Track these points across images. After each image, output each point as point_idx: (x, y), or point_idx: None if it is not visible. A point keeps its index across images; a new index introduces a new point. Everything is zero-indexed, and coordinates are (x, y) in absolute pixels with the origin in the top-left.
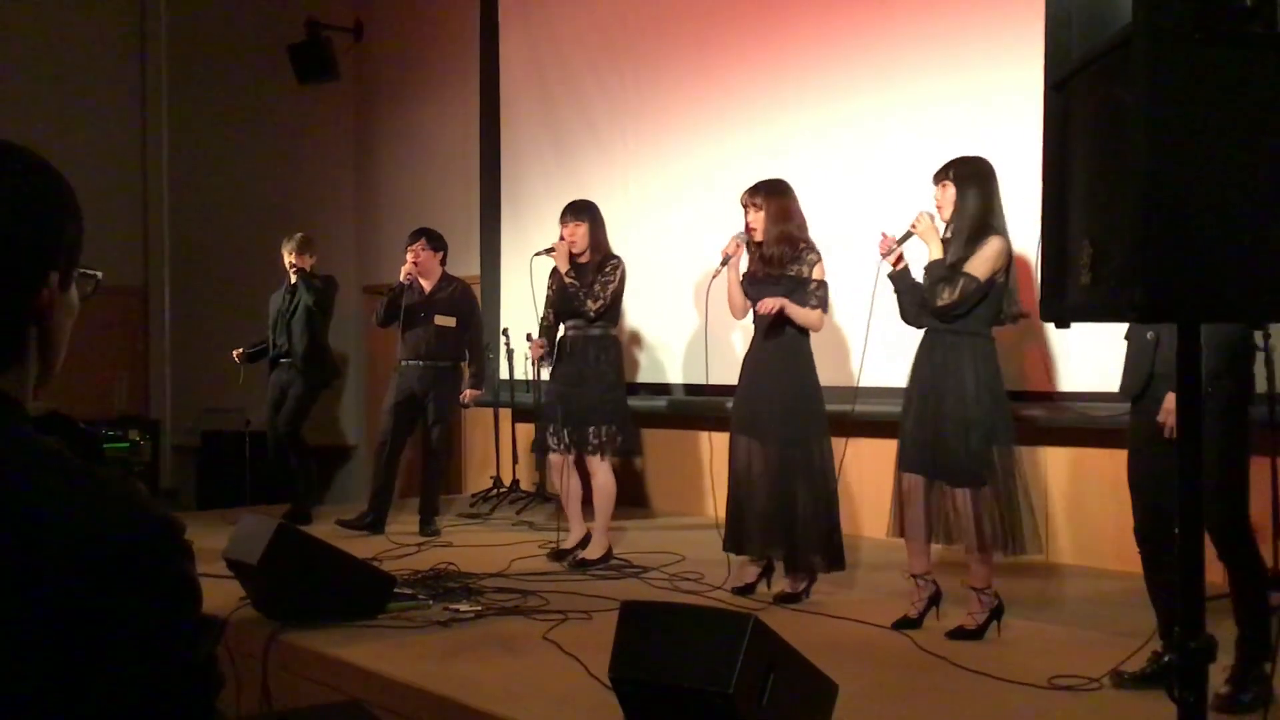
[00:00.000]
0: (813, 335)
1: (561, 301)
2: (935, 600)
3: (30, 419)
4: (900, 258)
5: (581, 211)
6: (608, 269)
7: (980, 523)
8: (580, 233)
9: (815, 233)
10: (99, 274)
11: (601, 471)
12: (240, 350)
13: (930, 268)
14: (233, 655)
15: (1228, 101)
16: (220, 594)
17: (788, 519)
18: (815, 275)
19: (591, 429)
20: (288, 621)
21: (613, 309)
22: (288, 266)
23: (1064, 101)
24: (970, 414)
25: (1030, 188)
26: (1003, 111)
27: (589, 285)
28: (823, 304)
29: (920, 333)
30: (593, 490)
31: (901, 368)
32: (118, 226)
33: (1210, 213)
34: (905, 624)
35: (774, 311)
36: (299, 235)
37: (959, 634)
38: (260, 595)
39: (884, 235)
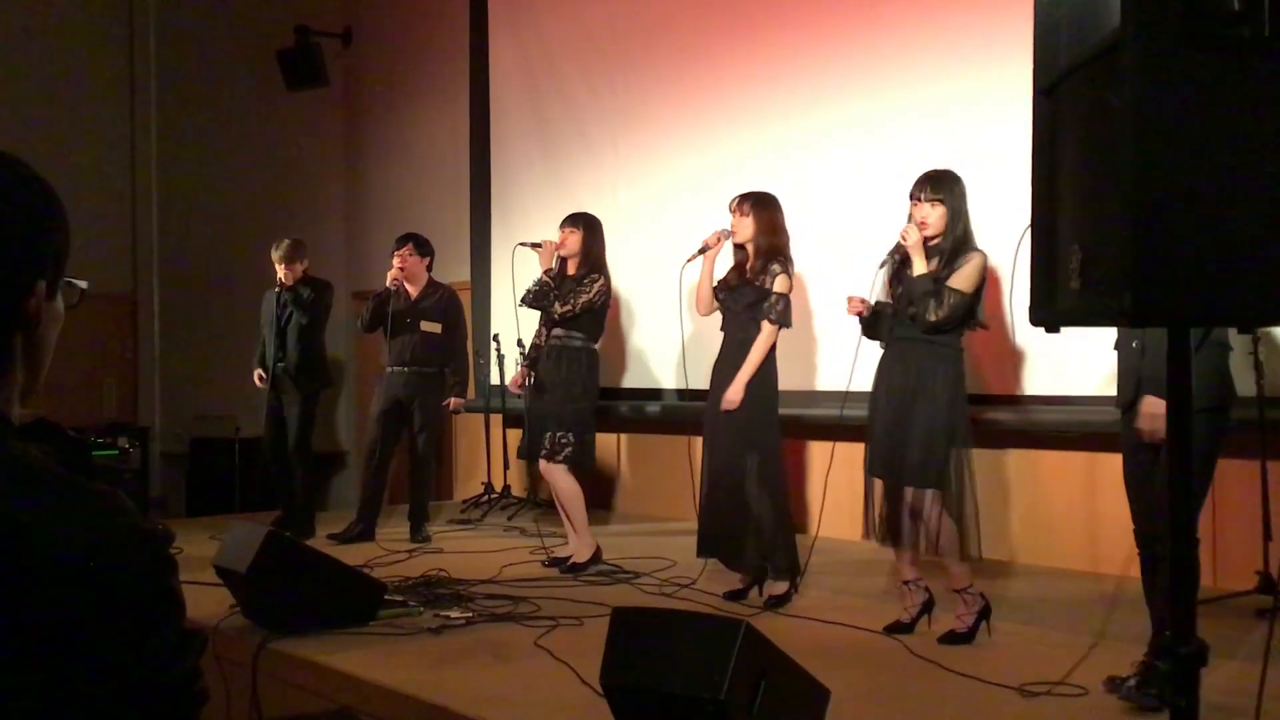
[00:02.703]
0: (799, 341)
1: (535, 298)
2: (928, 607)
3: (15, 429)
4: (855, 303)
5: (578, 220)
6: (585, 280)
7: (941, 526)
8: (573, 240)
9: (806, 239)
10: (84, 284)
11: (560, 477)
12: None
13: (915, 281)
14: (222, 664)
15: (1216, 105)
16: (210, 602)
17: (743, 522)
18: (777, 288)
19: (547, 435)
20: (278, 629)
21: (585, 320)
22: (279, 277)
23: (1053, 107)
24: (939, 419)
25: (1019, 193)
26: (993, 117)
27: (564, 291)
28: (780, 318)
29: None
30: (556, 496)
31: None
32: (106, 233)
33: (1199, 216)
34: (897, 628)
35: (738, 399)
36: (286, 243)
37: (950, 638)
38: (250, 603)
39: (850, 298)
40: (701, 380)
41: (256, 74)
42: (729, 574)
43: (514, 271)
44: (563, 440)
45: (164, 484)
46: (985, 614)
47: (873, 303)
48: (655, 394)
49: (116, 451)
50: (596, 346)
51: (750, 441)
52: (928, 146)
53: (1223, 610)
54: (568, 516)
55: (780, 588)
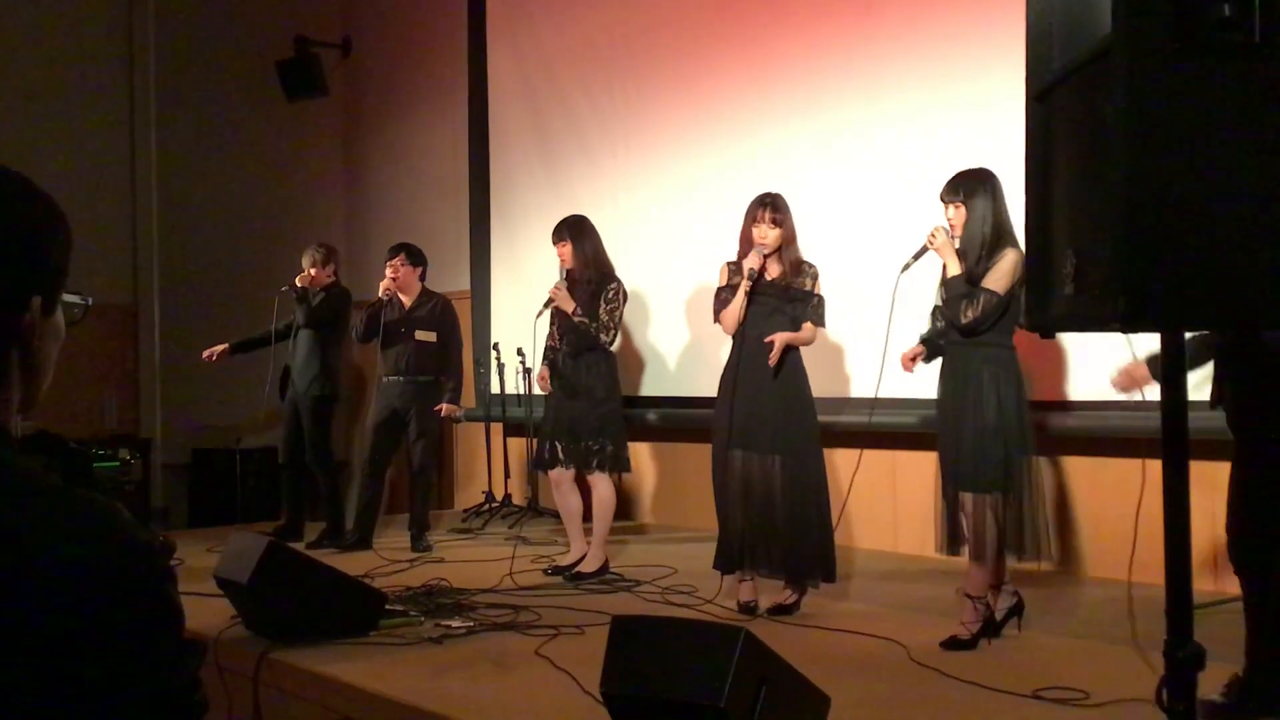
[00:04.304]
0: (822, 347)
1: (577, 342)
2: (1018, 610)
3: (13, 442)
4: (906, 364)
5: (563, 231)
6: (609, 293)
7: (983, 530)
8: (566, 252)
9: (809, 246)
10: (88, 300)
11: (601, 485)
12: (223, 348)
13: (950, 284)
14: (224, 674)
15: (1208, 110)
16: (211, 613)
17: (795, 532)
18: (818, 290)
19: (586, 444)
20: (279, 640)
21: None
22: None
23: (1046, 113)
24: (990, 422)
25: (1016, 198)
26: (990, 122)
27: (593, 312)
28: (822, 319)
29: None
30: (592, 503)
31: (903, 381)
32: (107, 244)
33: (1192, 221)
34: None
35: (781, 350)
36: (322, 248)
37: (952, 644)
38: (251, 614)
39: (903, 358)
40: (701, 388)
41: (256, 84)
42: (731, 583)
43: (535, 333)
44: (596, 448)
45: (166, 495)
46: (989, 624)
47: (922, 336)
48: (654, 401)
49: (118, 463)
50: (614, 348)
51: (816, 448)
52: (926, 150)
53: (1223, 614)
54: (593, 524)
55: (791, 597)
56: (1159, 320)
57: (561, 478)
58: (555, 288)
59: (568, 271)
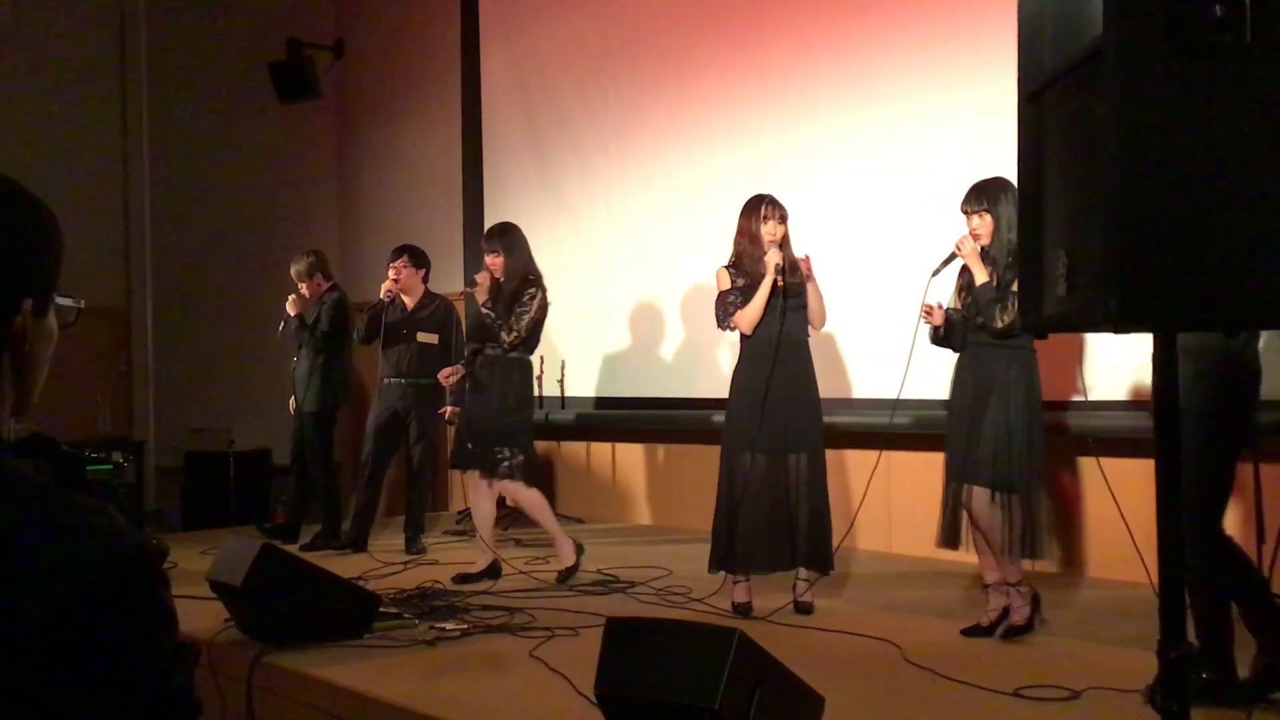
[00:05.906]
0: (843, 348)
1: (479, 331)
2: (1008, 612)
3: (7, 444)
4: (937, 314)
5: (495, 241)
6: (524, 298)
7: (1012, 525)
8: (499, 264)
9: (805, 248)
10: (80, 303)
11: (521, 492)
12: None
13: (978, 291)
14: (217, 678)
15: (1199, 111)
16: (204, 616)
17: (818, 525)
18: (816, 277)
19: (493, 451)
20: (272, 643)
21: (530, 339)
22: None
23: (1038, 113)
24: (1012, 421)
25: None
26: (983, 124)
27: (505, 315)
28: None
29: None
30: (525, 510)
31: (894, 384)
32: (100, 247)
33: (1183, 222)
34: (976, 632)
35: (809, 269)
36: (306, 260)
37: (1010, 632)
38: (244, 617)
39: (929, 307)
40: (696, 390)
41: (248, 86)
42: (732, 585)
43: (464, 311)
44: (501, 456)
45: (159, 498)
46: (1003, 618)
47: (944, 309)
48: (648, 403)
49: (111, 466)
50: (531, 358)
51: (822, 447)
52: (920, 153)
53: None
54: (542, 526)
55: (810, 595)
56: (1150, 321)
57: (478, 481)
58: (479, 276)
59: (496, 282)
